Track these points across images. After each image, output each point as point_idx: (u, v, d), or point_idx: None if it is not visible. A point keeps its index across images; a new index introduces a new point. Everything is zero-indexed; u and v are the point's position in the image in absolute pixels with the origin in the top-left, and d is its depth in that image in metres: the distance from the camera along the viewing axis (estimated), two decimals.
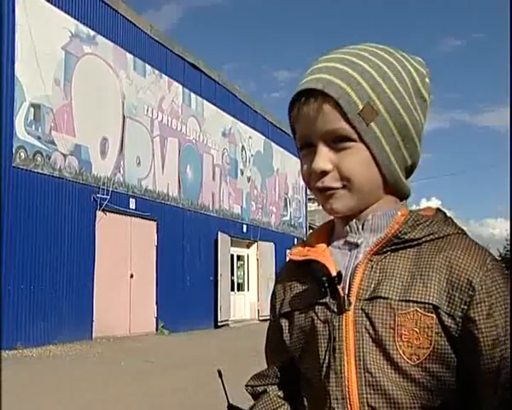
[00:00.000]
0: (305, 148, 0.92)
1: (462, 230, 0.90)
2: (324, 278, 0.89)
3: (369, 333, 0.86)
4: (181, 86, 18.00)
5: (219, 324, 18.20)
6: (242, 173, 21.81)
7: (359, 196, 0.90)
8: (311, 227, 29.09)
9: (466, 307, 0.82)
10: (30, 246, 11.91)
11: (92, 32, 14.14)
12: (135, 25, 15.91)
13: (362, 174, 0.88)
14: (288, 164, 25.87)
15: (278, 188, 24.98)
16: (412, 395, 0.84)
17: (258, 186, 23.00)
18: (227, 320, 18.91)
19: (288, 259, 1.04)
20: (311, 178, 0.91)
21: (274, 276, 22.31)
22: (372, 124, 0.87)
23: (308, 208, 30.00)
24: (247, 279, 22.19)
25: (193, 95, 18.66)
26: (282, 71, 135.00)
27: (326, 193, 0.90)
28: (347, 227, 0.94)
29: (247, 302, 21.89)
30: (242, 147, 21.93)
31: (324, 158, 0.88)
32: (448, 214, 0.93)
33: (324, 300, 0.90)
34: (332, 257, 0.93)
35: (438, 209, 0.93)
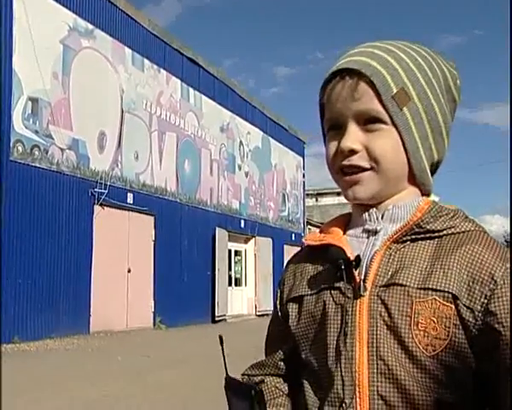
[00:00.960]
0: (332, 129, 0.92)
1: (483, 228, 0.89)
2: (341, 261, 0.87)
3: (383, 320, 0.84)
4: (179, 81, 17.96)
5: (217, 319, 18.20)
6: (240, 169, 21.78)
7: (385, 181, 0.89)
8: (308, 223, 29.09)
9: (486, 301, 0.80)
10: (27, 240, 11.89)
11: (91, 26, 14.09)
12: (133, 19, 15.86)
13: (391, 158, 0.88)
14: (285, 159, 25.86)
15: (276, 183, 24.96)
16: (425, 388, 0.81)
17: (256, 181, 22.98)
18: (224, 315, 18.91)
19: (302, 245, 1.02)
20: (337, 157, 0.90)
21: (272, 271, 22.34)
22: (405, 109, 0.88)
23: (306, 204, 29.99)
24: (245, 274, 22.19)
25: (191, 90, 18.61)
26: (280, 67, 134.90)
27: (350, 177, 0.89)
28: (366, 215, 0.92)
29: (245, 297, 21.89)
30: (240, 142, 21.90)
31: (354, 137, 0.88)
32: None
33: (338, 284, 0.89)
34: (349, 244, 0.91)
35: (457, 208, 0.92)
